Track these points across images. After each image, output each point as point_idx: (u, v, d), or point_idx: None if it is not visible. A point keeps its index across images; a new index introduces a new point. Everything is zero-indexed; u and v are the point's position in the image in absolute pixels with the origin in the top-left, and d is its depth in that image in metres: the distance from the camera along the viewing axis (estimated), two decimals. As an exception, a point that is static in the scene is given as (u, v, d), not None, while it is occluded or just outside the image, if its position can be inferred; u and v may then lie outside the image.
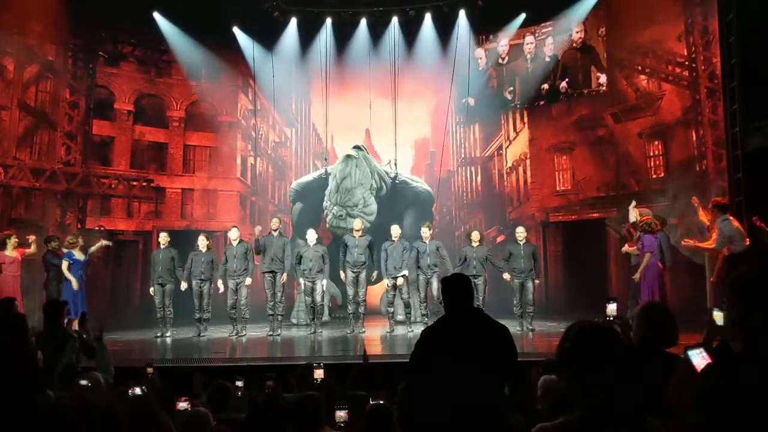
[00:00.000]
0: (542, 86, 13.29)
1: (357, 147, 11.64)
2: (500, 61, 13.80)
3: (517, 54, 13.69)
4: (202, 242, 9.70)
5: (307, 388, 4.07)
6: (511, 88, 13.72)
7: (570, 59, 13.01)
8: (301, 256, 9.64)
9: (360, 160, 11.24)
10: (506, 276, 9.61)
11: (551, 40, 13.33)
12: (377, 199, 11.43)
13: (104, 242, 10.20)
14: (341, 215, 11.05)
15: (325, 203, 11.40)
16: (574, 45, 12.97)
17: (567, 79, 13.02)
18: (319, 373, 4.37)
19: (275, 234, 9.73)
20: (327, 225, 11.36)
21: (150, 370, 4.96)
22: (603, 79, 12.52)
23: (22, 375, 3.80)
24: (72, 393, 3.65)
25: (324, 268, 9.64)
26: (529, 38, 13.54)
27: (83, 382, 3.66)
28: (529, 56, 13.54)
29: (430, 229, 9.70)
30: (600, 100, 12.55)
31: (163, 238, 9.81)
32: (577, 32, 12.88)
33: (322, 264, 9.62)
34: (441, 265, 9.57)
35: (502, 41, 13.64)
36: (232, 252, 9.59)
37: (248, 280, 9.60)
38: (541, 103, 13.43)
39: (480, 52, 13.82)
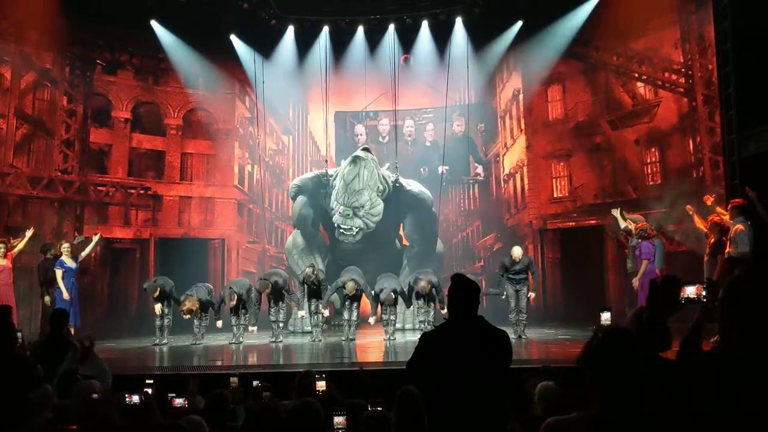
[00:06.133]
0: (421, 168, 13.74)
1: (365, 149, 11.76)
2: (380, 139, 14.15)
3: (397, 134, 13.93)
4: None
5: (305, 395, 4.04)
6: (396, 167, 13.89)
7: (451, 147, 13.48)
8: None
9: (368, 161, 11.26)
10: (503, 288, 9.60)
11: (432, 126, 13.95)
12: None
13: (95, 237, 9.92)
14: (348, 214, 11.20)
15: (332, 203, 11.49)
16: (456, 134, 13.69)
17: (447, 166, 13.51)
18: (320, 385, 4.25)
19: None
20: (334, 223, 11.48)
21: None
22: (480, 169, 13.71)
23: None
24: (77, 402, 3.61)
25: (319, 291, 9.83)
26: (409, 122, 14.01)
27: (95, 396, 3.61)
28: (409, 138, 14.01)
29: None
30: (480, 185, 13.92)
31: None
32: (458, 125, 13.71)
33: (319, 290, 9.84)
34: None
35: (383, 120, 14.06)
36: None
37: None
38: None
39: (360, 128, 14.15)
